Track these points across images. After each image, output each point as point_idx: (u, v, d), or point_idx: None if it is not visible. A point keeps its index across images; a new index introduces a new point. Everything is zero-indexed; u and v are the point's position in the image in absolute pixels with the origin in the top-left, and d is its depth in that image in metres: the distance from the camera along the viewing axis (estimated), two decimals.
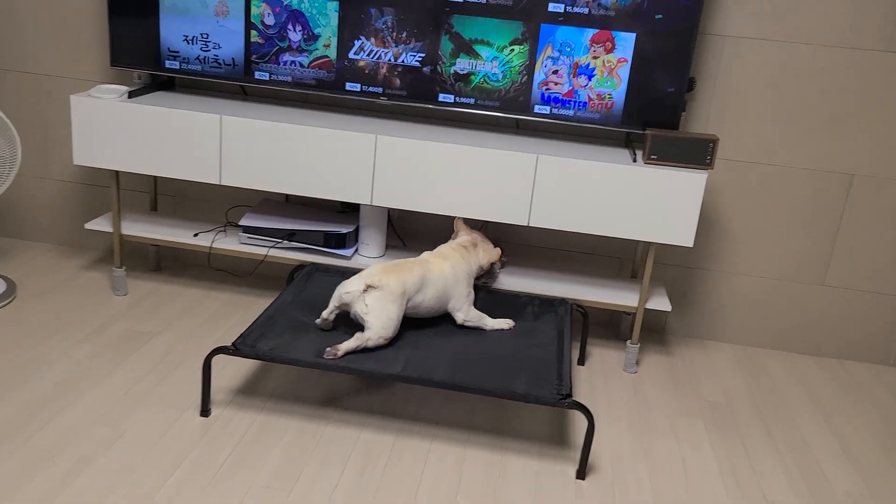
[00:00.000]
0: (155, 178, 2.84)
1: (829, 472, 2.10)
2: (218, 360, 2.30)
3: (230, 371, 2.27)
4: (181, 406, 2.07)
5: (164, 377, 2.20)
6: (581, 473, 1.95)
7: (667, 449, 2.11)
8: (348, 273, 2.48)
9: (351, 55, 2.46)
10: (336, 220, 2.63)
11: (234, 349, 1.97)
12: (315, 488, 1.81)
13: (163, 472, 1.80)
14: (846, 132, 2.54)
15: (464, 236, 2.35)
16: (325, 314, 2.11)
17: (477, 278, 2.37)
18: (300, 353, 1.98)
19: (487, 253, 2.34)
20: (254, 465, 1.86)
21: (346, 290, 2.06)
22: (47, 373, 2.16)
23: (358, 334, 2.02)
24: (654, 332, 2.83)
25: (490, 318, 2.25)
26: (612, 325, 2.83)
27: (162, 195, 2.91)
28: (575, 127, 2.63)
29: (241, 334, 2.03)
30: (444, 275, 2.19)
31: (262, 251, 2.55)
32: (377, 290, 2.03)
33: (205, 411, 2.03)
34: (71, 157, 2.91)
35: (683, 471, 2.02)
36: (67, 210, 2.98)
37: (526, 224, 2.36)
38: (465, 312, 2.22)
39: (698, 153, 2.30)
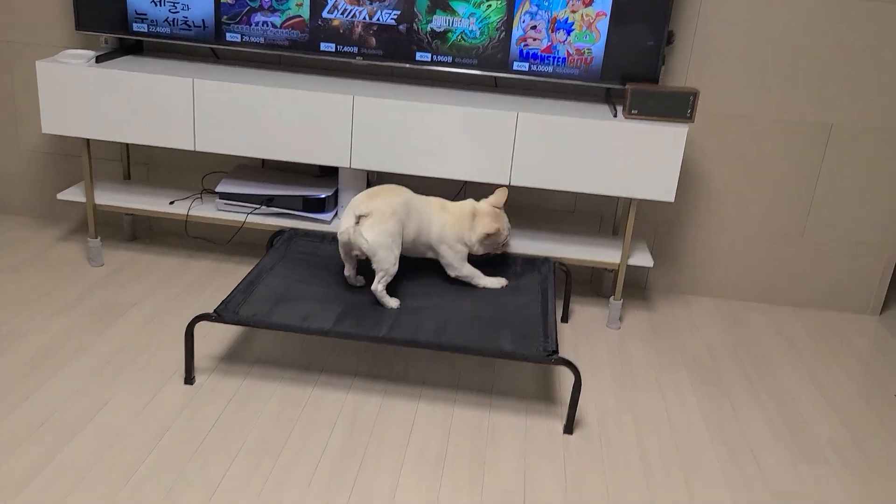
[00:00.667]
0: (127, 146, 2.78)
1: (810, 419, 2.13)
2: (200, 328, 2.27)
3: (213, 338, 2.24)
4: (165, 374, 2.05)
5: (146, 346, 2.17)
6: (568, 428, 1.96)
7: (651, 402, 2.13)
8: (329, 237, 2.46)
9: (325, 14, 2.41)
10: (314, 185, 2.59)
11: (217, 316, 1.94)
12: (304, 450, 1.80)
13: (149, 440, 1.79)
14: (824, 83, 2.53)
15: (477, 205, 2.27)
16: (346, 272, 2.16)
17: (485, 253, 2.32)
18: (284, 318, 1.97)
19: (479, 226, 2.22)
20: (241, 431, 1.85)
21: (342, 231, 2.05)
22: (24, 346, 2.12)
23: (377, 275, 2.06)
24: (637, 288, 2.84)
25: (484, 277, 2.25)
26: (594, 283, 2.84)
27: (135, 164, 2.85)
28: (554, 84, 2.61)
29: (223, 301, 2.00)
30: (429, 210, 2.19)
31: (241, 217, 2.51)
32: (369, 218, 2.02)
33: (189, 379, 2.01)
34: (40, 126, 2.84)
35: (668, 423, 2.04)
36: (39, 181, 2.91)
37: (507, 183, 2.34)
38: (458, 270, 2.23)
39: (679, 107, 2.28)
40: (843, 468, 1.93)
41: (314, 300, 2.08)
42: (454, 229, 2.21)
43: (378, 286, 2.05)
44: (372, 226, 2.03)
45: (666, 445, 1.95)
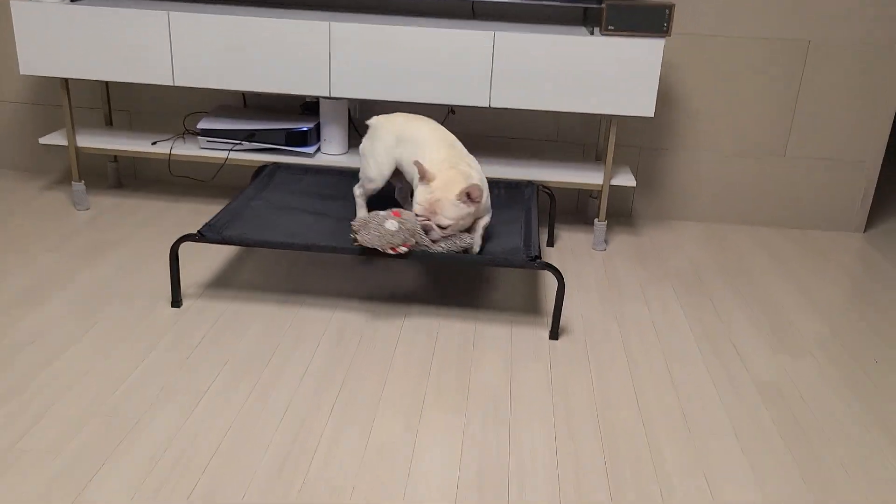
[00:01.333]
0: (108, 91, 2.77)
1: (794, 319, 2.15)
2: (187, 255, 2.28)
3: (199, 265, 2.25)
4: (152, 299, 2.06)
5: (132, 275, 2.18)
6: (554, 334, 1.98)
7: (636, 311, 2.15)
8: (312, 171, 2.46)
9: None
10: (297, 120, 2.59)
11: (200, 236, 1.95)
12: (290, 361, 1.82)
13: (137, 355, 1.80)
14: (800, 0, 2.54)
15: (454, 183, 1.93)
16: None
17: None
18: (268, 236, 1.98)
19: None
20: (228, 346, 1.86)
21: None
22: (15, 279, 2.13)
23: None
24: (622, 215, 2.86)
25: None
26: (578, 212, 2.85)
27: (116, 111, 2.85)
28: (531, 8, 2.60)
29: (206, 223, 2.01)
30: (424, 148, 2.04)
31: (223, 154, 2.52)
32: (369, 130, 2.15)
33: (176, 302, 2.02)
34: (17, 79, 2.83)
35: (653, 328, 2.06)
36: (19, 134, 2.91)
37: (487, 105, 2.35)
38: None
39: (655, 20, 2.29)
40: (826, 361, 1.95)
41: (298, 223, 2.09)
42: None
43: (355, 189, 2.15)
44: (367, 137, 2.15)
45: (650, 345, 1.97)
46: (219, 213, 2.08)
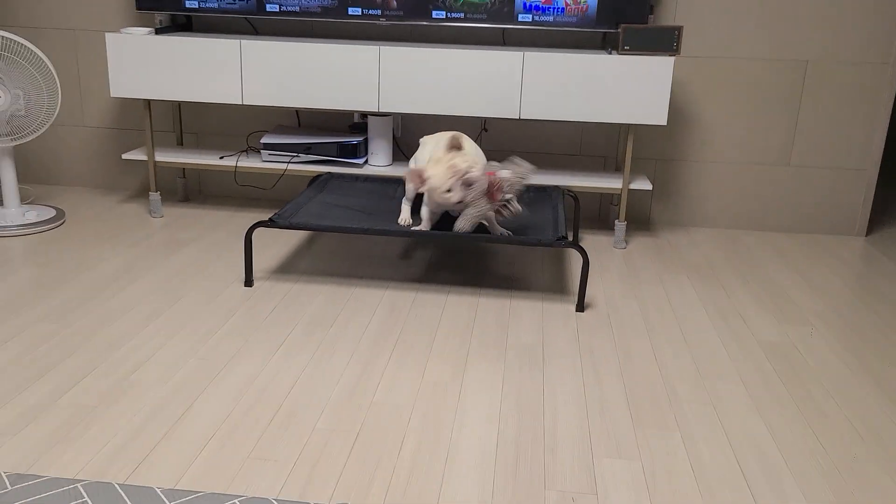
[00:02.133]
0: (180, 115, 3.13)
1: (797, 299, 2.39)
2: (256, 244, 2.59)
3: (268, 253, 2.55)
4: (227, 280, 2.36)
5: (208, 264, 2.48)
6: (580, 307, 2.23)
7: (655, 293, 2.41)
8: (361, 178, 2.78)
9: None
10: (347, 135, 2.92)
11: (272, 222, 2.26)
12: (351, 324, 2.09)
13: (217, 321, 2.09)
14: (797, 22, 2.84)
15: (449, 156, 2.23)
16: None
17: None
18: (330, 222, 2.28)
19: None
20: (294, 315, 2.14)
21: None
22: (106, 265, 2.44)
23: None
24: (640, 221, 3.13)
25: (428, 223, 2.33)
26: (601, 219, 3.13)
27: (187, 133, 3.20)
28: (556, 34, 2.94)
29: (275, 213, 2.31)
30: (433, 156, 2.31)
31: (283, 166, 2.85)
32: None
33: (248, 282, 2.32)
34: (102, 106, 3.20)
35: (670, 306, 2.31)
36: (101, 155, 3.27)
37: (517, 117, 2.66)
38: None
39: (665, 41, 2.60)
40: (825, 328, 2.19)
41: (352, 217, 2.39)
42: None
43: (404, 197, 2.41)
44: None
45: (666, 317, 2.22)
46: (285, 206, 2.39)
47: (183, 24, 3.02)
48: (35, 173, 3.34)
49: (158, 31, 2.82)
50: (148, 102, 2.84)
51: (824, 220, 3.05)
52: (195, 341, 1.97)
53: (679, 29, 2.58)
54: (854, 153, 2.96)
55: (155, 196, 2.93)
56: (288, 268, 2.48)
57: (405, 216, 2.39)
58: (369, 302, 2.25)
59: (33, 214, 2.82)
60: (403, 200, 2.44)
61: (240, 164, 2.87)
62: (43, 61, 2.68)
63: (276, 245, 2.69)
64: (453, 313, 2.19)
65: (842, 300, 2.40)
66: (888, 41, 2.83)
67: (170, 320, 2.08)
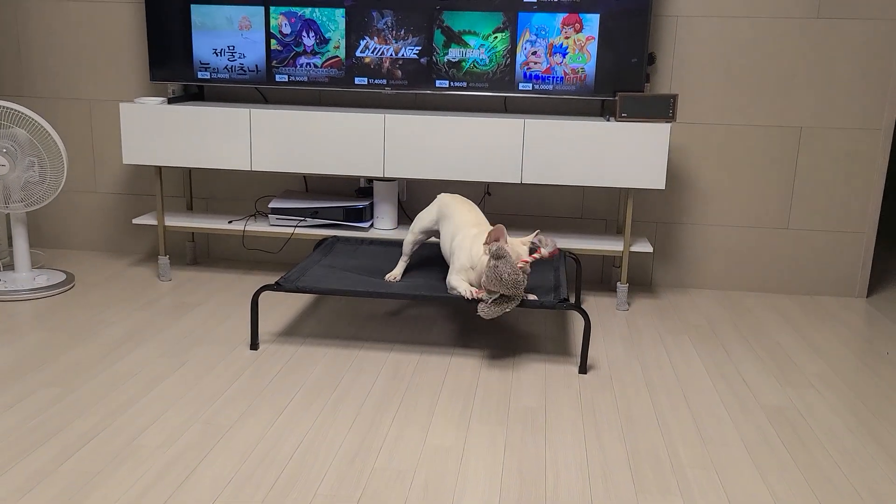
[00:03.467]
0: (190, 181, 3.21)
1: (798, 361, 2.40)
2: (262, 307, 2.62)
3: (273, 316, 2.59)
4: (233, 343, 2.38)
5: (215, 327, 2.51)
6: (583, 368, 2.25)
7: (657, 354, 2.42)
8: (366, 242, 2.82)
9: (357, 53, 2.87)
10: (353, 200, 2.98)
11: (278, 285, 2.29)
12: (355, 386, 2.11)
13: (222, 385, 2.11)
14: (791, 91, 2.92)
15: (502, 244, 2.18)
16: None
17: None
18: (335, 286, 2.31)
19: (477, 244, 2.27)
20: (298, 379, 2.16)
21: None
22: (113, 329, 2.48)
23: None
24: (642, 284, 3.15)
25: (465, 285, 2.28)
26: (603, 282, 3.16)
27: (196, 198, 3.28)
28: (556, 102, 3.02)
29: (283, 276, 2.36)
30: (458, 226, 2.37)
31: (290, 230, 2.90)
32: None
33: (254, 345, 2.34)
34: (115, 172, 3.29)
35: (672, 368, 2.32)
36: (112, 219, 3.34)
37: (519, 181, 2.72)
38: (448, 276, 2.34)
39: (661, 108, 2.68)
40: (827, 391, 2.19)
41: (357, 280, 2.43)
42: (473, 251, 2.26)
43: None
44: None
45: (669, 380, 2.23)
46: (291, 270, 2.43)
47: (195, 93, 3.12)
48: (46, 238, 3.40)
49: (171, 101, 2.92)
50: (159, 169, 2.91)
51: (825, 282, 3.07)
52: (200, 405, 1.98)
53: (674, 97, 2.65)
54: (852, 216, 3.00)
55: (164, 260, 2.98)
56: (293, 330, 2.51)
57: (396, 272, 2.47)
58: (373, 365, 2.27)
59: (43, 279, 2.87)
60: (402, 258, 2.49)
61: (248, 228, 2.93)
62: (47, 131, 2.76)
63: (282, 308, 2.72)
64: (456, 376, 2.21)
65: (844, 362, 2.41)
66: (879, 108, 2.90)
67: (175, 384, 2.10)
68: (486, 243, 2.20)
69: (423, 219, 2.51)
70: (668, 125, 2.64)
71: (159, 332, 2.47)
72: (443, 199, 2.50)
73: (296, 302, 2.79)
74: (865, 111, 2.91)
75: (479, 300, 2.19)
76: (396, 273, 2.48)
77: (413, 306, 2.80)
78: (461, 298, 2.24)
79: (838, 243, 3.03)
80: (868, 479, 1.75)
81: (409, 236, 2.53)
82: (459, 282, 2.28)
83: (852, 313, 2.88)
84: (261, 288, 2.31)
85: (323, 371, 2.21)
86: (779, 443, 1.89)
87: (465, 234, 2.32)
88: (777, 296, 3.07)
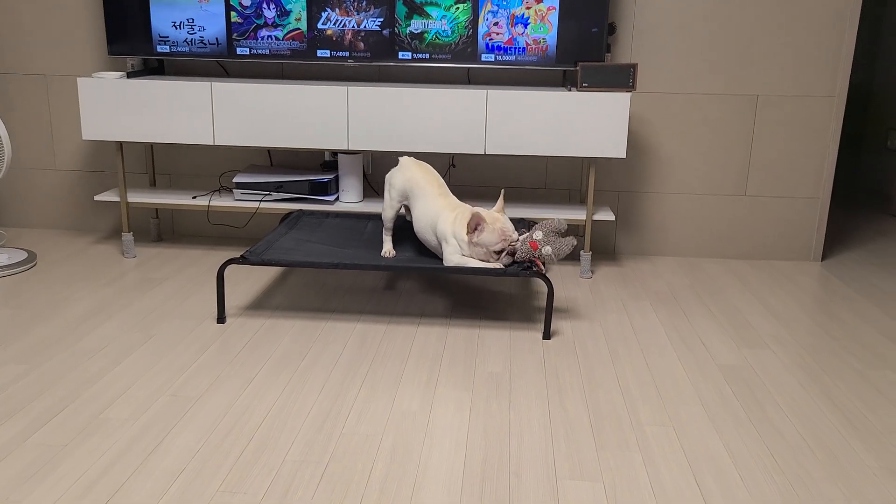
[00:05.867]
0: (152, 157, 3.18)
1: (755, 323, 2.47)
2: (228, 281, 2.62)
3: (241, 291, 2.59)
4: (200, 317, 2.39)
5: (181, 302, 2.51)
6: (546, 334, 2.30)
7: (618, 319, 2.48)
8: (332, 215, 2.83)
9: (319, 25, 2.86)
10: (318, 174, 2.98)
11: (244, 259, 2.30)
12: (323, 357, 2.13)
13: (189, 358, 2.12)
14: (747, 60, 2.98)
15: (493, 213, 2.32)
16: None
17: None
18: (302, 258, 2.33)
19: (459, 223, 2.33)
20: (266, 350, 2.18)
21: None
22: (78, 305, 2.46)
23: None
24: (605, 253, 3.21)
25: (476, 262, 2.31)
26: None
27: (159, 174, 3.25)
28: (518, 73, 3.04)
29: (248, 250, 2.36)
30: (433, 210, 2.40)
31: (255, 204, 2.90)
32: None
33: (221, 319, 2.35)
34: (74, 149, 3.24)
35: (633, 332, 2.38)
36: (73, 197, 3.30)
37: (483, 152, 2.74)
38: (448, 259, 2.34)
39: (621, 78, 2.71)
40: (781, 350, 2.26)
41: (323, 252, 2.44)
42: (457, 227, 2.33)
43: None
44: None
45: (630, 343, 2.29)
46: (257, 243, 2.44)
47: (154, 68, 3.08)
48: (7, 217, 3.36)
49: (130, 75, 2.88)
50: (120, 145, 2.88)
51: (781, 247, 3.16)
52: (167, 378, 1.99)
53: (634, 66, 2.69)
54: (807, 182, 3.08)
55: (128, 237, 2.97)
56: (261, 304, 2.52)
57: (388, 247, 2.46)
58: (341, 335, 2.29)
59: (5, 257, 2.84)
60: (384, 232, 2.50)
61: (212, 203, 2.92)
62: None
63: (249, 282, 2.73)
64: (423, 343, 2.24)
65: (798, 323, 2.49)
66: (832, 75, 2.96)
67: (142, 358, 2.11)
68: (468, 233, 2.29)
69: (395, 187, 2.49)
70: (629, 94, 2.68)
71: (125, 308, 2.46)
72: (408, 166, 2.49)
73: (263, 276, 2.80)
74: (820, 79, 2.97)
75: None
76: (388, 248, 2.48)
77: (379, 278, 2.82)
78: (436, 268, 2.27)
79: (794, 208, 3.11)
80: (818, 432, 1.82)
81: (389, 211, 2.48)
82: (463, 258, 2.33)
83: (807, 277, 2.97)
84: (226, 262, 2.31)
85: (290, 343, 2.23)
86: (734, 400, 1.96)
87: (444, 219, 2.36)
88: (735, 261, 3.14)
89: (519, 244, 2.30)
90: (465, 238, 2.30)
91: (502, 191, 2.49)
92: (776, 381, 2.07)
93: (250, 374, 2.02)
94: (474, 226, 2.28)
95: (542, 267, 2.29)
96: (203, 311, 2.45)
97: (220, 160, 3.21)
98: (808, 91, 2.99)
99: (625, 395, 1.97)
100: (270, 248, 2.43)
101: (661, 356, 2.21)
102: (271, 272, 2.84)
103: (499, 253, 2.30)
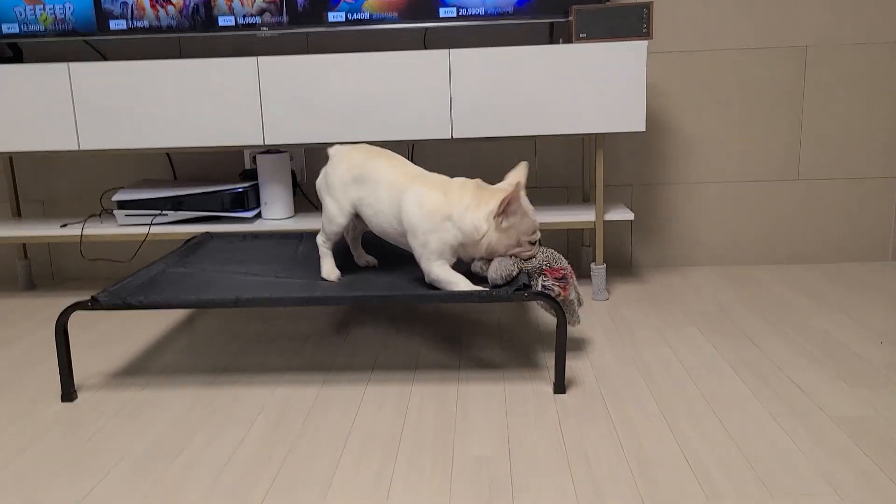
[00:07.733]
0: (13, 177, 2.40)
1: (858, 349, 1.71)
2: (101, 337, 1.83)
3: (116, 349, 1.80)
4: (42, 394, 1.60)
5: (26, 371, 1.72)
6: (560, 387, 1.52)
7: (660, 356, 1.71)
8: (250, 237, 2.07)
9: None
10: (234, 184, 2.22)
11: (94, 302, 1.52)
12: (211, 449, 1.34)
13: (9, 454, 1.32)
14: (793, 1, 2.27)
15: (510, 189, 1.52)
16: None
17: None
18: (188, 296, 1.55)
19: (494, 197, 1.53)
20: (128, 439, 1.39)
21: None
22: None
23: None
24: (620, 266, 2.46)
25: (466, 283, 1.55)
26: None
27: (26, 201, 2.47)
28: (489, 31, 2.32)
29: (104, 289, 1.59)
30: (396, 188, 1.60)
31: (144, 229, 2.13)
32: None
33: (67, 395, 1.56)
34: None
35: (686, 373, 1.62)
36: None
37: (449, 137, 2.00)
38: (426, 269, 1.57)
39: (633, 22, 1.99)
40: None
41: (232, 285, 1.67)
42: (442, 208, 1.55)
43: (318, 237, 1.72)
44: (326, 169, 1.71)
45: (685, 390, 1.52)
46: (125, 279, 1.66)
47: (10, 56, 2.33)
48: None
49: None
50: None
51: (848, 246, 2.42)
52: None
53: (649, 5, 1.97)
54: (876, 158, 2.36)
55: None
56: (141, 368, 1.73)
57: (329, 268, 1.70)
58: (248, 408, 1.51)
59: None
60: (322, 246, 1.71)
61: (87, 231, 2.15)
62: None
63: (134, 336, 1.94)
64: (372, 415, 1.46)
65: None
66: None
67: None
68: (497, 216, 1.52)
69: (336, 186, 1.65)
70: (644, 43, 1.96)
71: None
72: (344, 153, 1.68)
73: (155, 326, 2.02)
74: (888, 19, 2.27)
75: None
76: (329, 268, 1.70)
77: (319, 317, 2.04)
78: (401, 296, 1.50)
79: (861, 193, 2.38)
80: None
81: (338, 219, 1.67)
82: (450, 273, 1.56)
83: (892, 281, 2.23)
84: (68, 308, 1.53)
85: (168, 425, 1.44)
86: (879, 474, 1.19)
87: (412, 198, 1.57)
88: (792, 266, 2.40)
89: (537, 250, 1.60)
90: (476, 225, 1.52)
91: (523, 164, 1.60)
92: None
93: (98, 474, 1.23)
94: (506, 204, 1.50)
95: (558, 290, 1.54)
96: (52, 383, 1.66)
97: (109, 176, 2.44)
98: (872, 37, 2.28)
99: (702, 480, 1.20)
100: (146, 285, 1.65)
101: (739, 410, 1.44)
102: (168, 321, 2.06)
103: (515, 252, 1.57)
